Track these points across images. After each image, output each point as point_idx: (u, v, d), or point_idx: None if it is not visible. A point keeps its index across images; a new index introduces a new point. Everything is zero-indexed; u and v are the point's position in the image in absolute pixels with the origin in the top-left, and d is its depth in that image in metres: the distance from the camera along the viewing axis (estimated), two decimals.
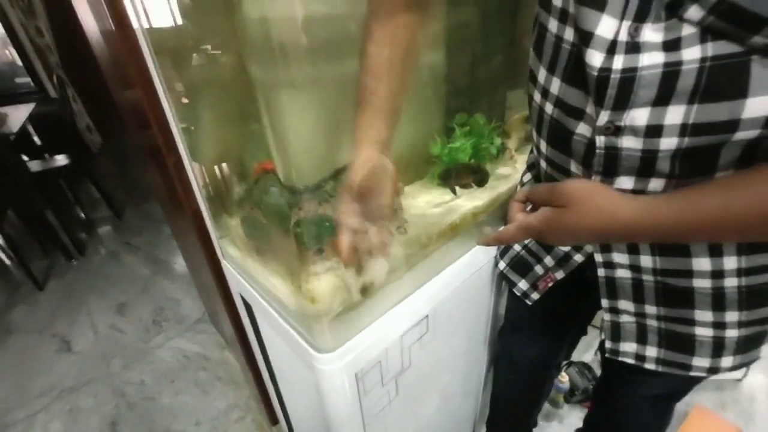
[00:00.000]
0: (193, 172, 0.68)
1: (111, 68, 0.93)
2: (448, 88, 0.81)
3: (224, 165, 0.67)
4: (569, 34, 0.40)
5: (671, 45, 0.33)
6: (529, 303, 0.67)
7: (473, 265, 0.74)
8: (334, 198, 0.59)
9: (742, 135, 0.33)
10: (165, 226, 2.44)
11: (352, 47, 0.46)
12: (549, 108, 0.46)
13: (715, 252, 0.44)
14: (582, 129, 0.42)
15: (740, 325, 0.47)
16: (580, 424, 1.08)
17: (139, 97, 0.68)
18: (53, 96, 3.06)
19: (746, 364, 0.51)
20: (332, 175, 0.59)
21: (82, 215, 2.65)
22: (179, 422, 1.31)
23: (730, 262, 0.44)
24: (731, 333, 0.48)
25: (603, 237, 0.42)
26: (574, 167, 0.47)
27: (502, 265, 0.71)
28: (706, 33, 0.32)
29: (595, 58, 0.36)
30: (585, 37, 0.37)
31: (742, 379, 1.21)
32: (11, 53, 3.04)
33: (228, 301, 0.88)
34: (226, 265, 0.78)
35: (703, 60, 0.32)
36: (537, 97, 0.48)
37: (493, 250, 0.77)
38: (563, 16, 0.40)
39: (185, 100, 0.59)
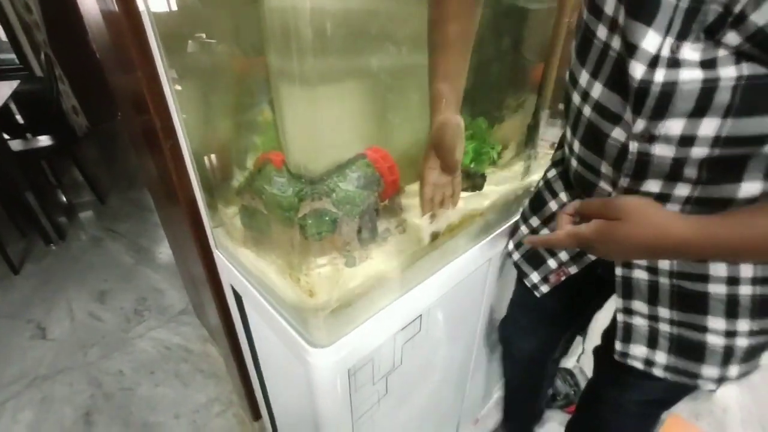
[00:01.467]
0: (191, 158, 0.66)
1: (109, 50, 0.91)
2: None
3: (224, 152, 0.66)
4: (617, 42, 0.41)
5: (708, 64, 0.36)
6: (538, 295, 0.68)
7: (469, 266, 0.74)
8: (335, 192, 0.59)
9: None
10: (150, 213, 2.38)
11: (370, 40, 0.46)
12: (587, 111, 0.48)
13: None
14: (617, 134, 0.44)
15: (750, 334, 0.48)
16: (560, 430, 1.10)
17: (139, 80, 0.66)
18: (39, 75, 2.96)
19: (749, 373, 0.51)
20: (335, 169, 0.58)
21: (64, 199, 2.56)
22: (157, 414, 1.28)
23: (746, 270, 0.45)
24: (741, 342, 0.49)
25: (653, 252, 0.42)
26: (604, 168, 0.48)
27: (516, 255, 0.72)
28: (741, 56, 0.34)
29: (637, 70, 0.38)
30: (630, 49, 0.38)
31: (716, 390, 1.26)
32: None
33: (217, 292, 0.87)
34: (218, 256, 0.76)
35: (738, 79, 0.35)
36: (576, 99, 0.50)
37: (488, 253, 0.78)
38: (613, 25, 0.41)
39: (189, 87, 0.58)
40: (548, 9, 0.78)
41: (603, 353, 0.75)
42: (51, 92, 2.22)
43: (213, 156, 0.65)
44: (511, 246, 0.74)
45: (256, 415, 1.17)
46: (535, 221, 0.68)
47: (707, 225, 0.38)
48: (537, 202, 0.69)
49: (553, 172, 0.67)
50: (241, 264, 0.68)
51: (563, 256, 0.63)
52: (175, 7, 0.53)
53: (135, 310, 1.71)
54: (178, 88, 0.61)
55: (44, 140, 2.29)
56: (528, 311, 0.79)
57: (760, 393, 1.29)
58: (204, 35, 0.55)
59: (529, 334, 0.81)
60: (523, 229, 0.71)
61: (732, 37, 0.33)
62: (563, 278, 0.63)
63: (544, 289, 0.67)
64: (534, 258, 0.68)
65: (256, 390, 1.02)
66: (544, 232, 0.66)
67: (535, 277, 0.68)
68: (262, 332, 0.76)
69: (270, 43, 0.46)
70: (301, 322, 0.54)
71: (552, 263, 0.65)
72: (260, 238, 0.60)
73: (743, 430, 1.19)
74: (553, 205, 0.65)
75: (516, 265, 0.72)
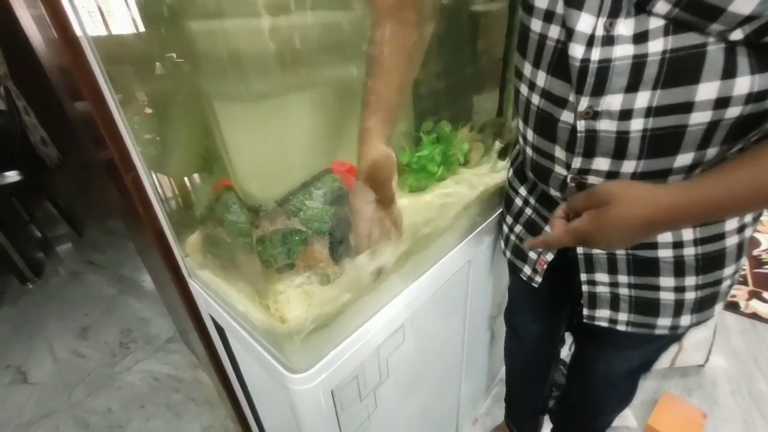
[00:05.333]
0: (153, 188, 0.64)
1: (59, 80, 0.88)
2: (416, 98, 0.81)
3: (185, 181, 0.64)
4: (554, 31, 0.45)
5: (640, 37, 0.38)
6: (536, 286, 0.70)
7: (450, 270, 0.74)
8: (303, 211, 0.57)
9: (697, 117, 0.39)
10: (130, 242, 2.32)
11: (299, 61, 0.45)
12: (536, 99, 0.51)
13: None
14: (566, 116, 0.47)
15: (697, 288, 0.54)
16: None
17: (90, 111, 0.64)
18: (1, 108, 2.86)
19: (702, 322, 0.57)
20: (299, 187, 0.57)
21: (39, 234, 2.48)
22: None
23: (687, 234, 0.50)
24: (689, 295, 0.54)
25: (650, 226, 0.41)
26: (558, 152, 0.50)
27: (507, 254, 0.75)
28: (670, 25, 0.37)
29: (577, 51, 0.42)
30: (569, 33, 0.42)
31: (704, 365, 1.28)
32: None
33: (198, 321, 0.84)
34: (193, 285, 0.74)
35: (664, 52, 0.38)
36: (524, 90, 0.53)
37: (468, 255, 0.78)
38: (548, 17, 0.45)
39: (137, 113, 0.56)
40: (499, 9, 0.78)
41: (580, 327, 0.80)
42: (14, 125, 2.15)
43: (174, 185, 0.62)
44: (502, 244, 0.77)
45: None
46: (509, 219, 0.72)
47: (690, 188, 0.39)
48: (507, 200, 0.73)
49: (511, 171, 0.72)
50: (215, 292, 0.66)
51: None
52: (115, 32, 0.51)
53: (120, 343, 1.65)
54: (132, 116, 0.59)
55: (12, 176, 2.21)
56: (529, 298, 0.83)
57: (747, 365, 1.32)
58: (147, 61, 0.53)
59: (534, 318, 0.85)
60: (504, 227, 0.75)
61: (662, 6, 0.36)
62: (545, 266, 0.67)
63: (538, 279, 0.70)
64: (520, 253, 0.72)
65: (248, 416, 0.99)
66: (518, 228, 0.70)
67: (527, 269, 0.71)
68: (245, 360, 0.74)
69: (200, 65, 0.45)
70: (278, 348, 0.53)
71: (532, 255, 0.69)
72: (227, 266, 0.58)
73: (733, 400, 1.21)
74: (518, 201, 0.69)
75: (509, 261, 0.75)
